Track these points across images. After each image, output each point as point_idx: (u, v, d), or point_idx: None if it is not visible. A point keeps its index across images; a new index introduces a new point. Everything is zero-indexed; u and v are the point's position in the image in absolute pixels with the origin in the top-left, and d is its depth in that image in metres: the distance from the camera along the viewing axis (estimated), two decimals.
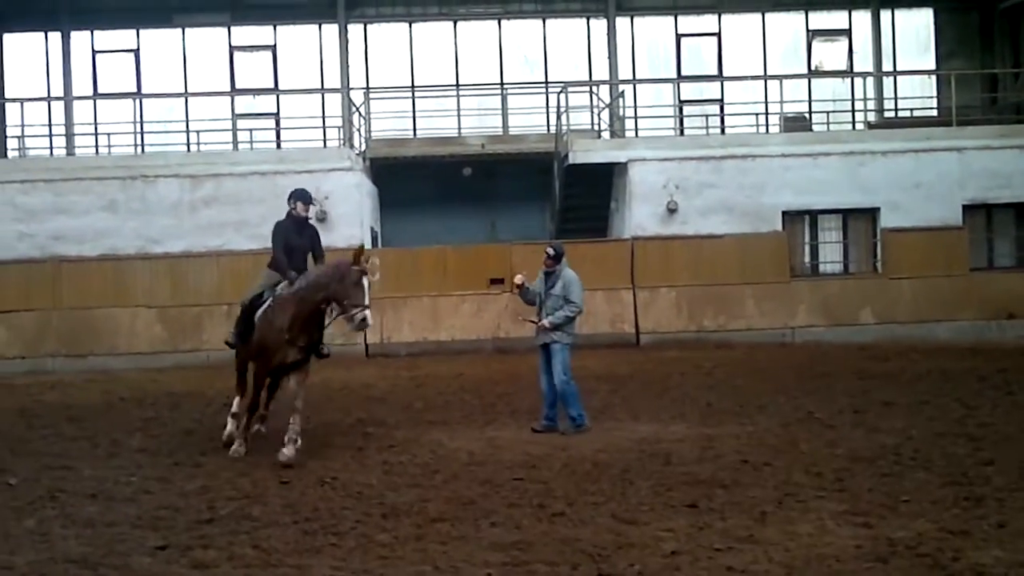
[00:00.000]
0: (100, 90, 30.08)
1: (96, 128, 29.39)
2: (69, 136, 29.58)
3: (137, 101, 27.20)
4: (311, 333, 11.12)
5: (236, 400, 12.06)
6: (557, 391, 12.42)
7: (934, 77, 30.51)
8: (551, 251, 12.65)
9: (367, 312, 10.55)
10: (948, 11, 31.23)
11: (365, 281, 10.59)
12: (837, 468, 9.76)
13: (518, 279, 12.73)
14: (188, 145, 28.43)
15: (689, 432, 12.09)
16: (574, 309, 12.44)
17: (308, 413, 14.46)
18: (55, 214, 23.01)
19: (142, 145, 26.64)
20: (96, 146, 29.21)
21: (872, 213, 23.98)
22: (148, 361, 21.93)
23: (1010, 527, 7.55)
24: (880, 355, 19.69)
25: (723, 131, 29.03)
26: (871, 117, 30.13)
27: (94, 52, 30.22)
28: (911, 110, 30.78)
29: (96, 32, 30.16)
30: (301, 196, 11.86)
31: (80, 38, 30.19)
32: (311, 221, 12.14)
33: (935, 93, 30.59)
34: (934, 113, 29.73)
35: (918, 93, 31.12)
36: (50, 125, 29.55)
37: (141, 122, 26.67)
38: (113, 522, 8.52)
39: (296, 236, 11.65)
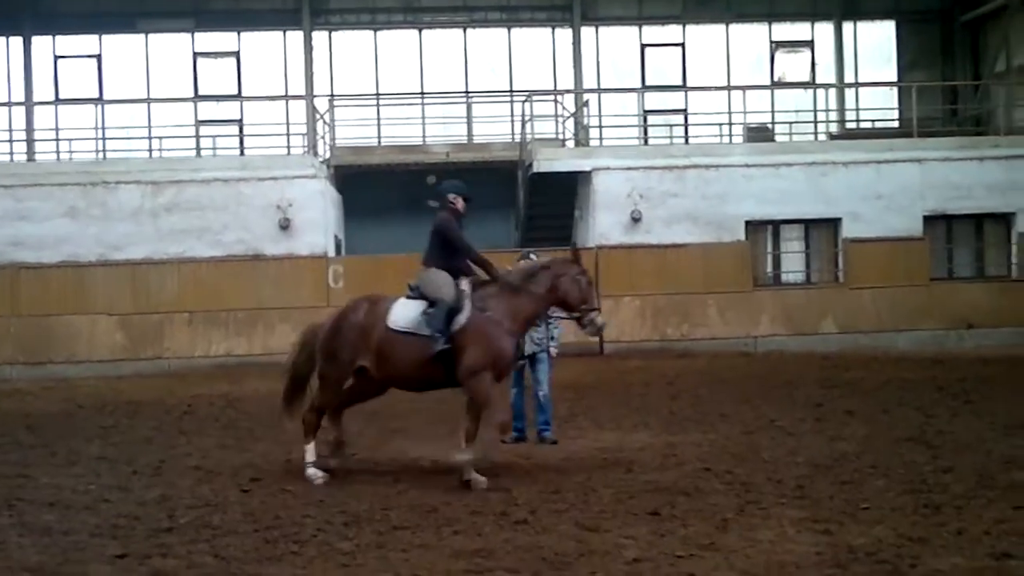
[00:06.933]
0: (62, 95, 29.85)
1: (57, 134, 29.18)
2: (30, 141, 29.36)
3: (99, 107, 27.02)
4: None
5: None
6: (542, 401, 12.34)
7: (895, 89, 30.84)
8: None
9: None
10: (910, 23, 31.58)
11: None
12: (798, 476, 9.79)
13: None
14: (150, 151, 28.29)
15: (652, 440, 12.10)
16: None
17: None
18: (14, 220, 22.79)
19: (104, 151, 26.48)
20: (57, 152, 28.99)
21: (834, 223, 24.17)
22: (108, 369, 21.71)
23: (968, 534, 7.59)
24: (841, 364, 19.81)
25: (687, 141, 29.17)
26: (833, 128, 30.39)
27: (56, 57, 29.98)
28: (873, 121, 31.10)
29: (58, 37, 29.93)
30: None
31: (42, 43, 29.95)
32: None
33: (896, 105, 30.90)
34: (895, 124, 30.02)
35: (880, 104, 31.45)
36: (11, 130, 29.28)
37: (103, 128, 26.51)
38: (71, 530, 8.41)
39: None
